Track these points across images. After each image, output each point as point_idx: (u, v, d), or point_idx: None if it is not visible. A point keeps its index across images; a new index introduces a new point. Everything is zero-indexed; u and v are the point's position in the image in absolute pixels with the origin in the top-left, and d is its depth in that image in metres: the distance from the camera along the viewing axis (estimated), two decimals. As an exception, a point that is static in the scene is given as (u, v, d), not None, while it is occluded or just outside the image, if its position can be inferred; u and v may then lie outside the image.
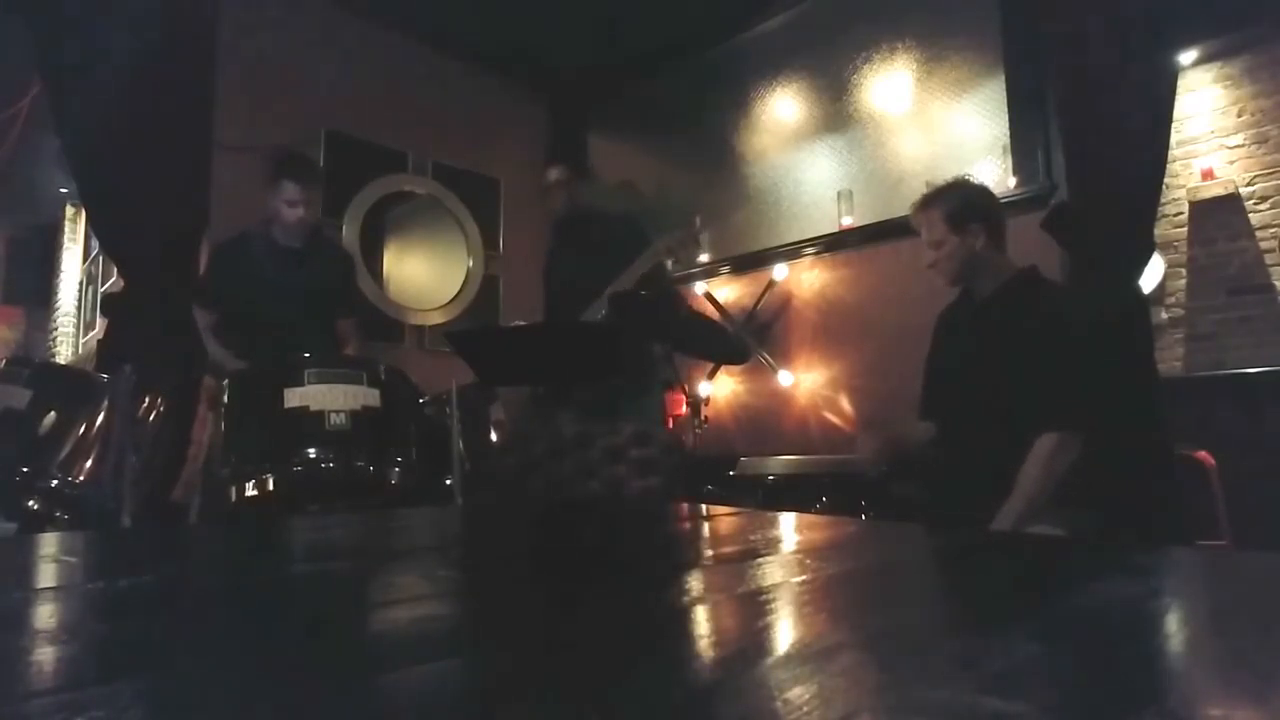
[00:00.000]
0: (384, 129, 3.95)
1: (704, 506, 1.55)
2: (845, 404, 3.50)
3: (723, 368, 3.77)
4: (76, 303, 6.21)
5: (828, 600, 0.60)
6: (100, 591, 0.69)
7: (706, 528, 1.16)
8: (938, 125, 3.42)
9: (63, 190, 5.76)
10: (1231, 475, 2.51)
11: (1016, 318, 1.87)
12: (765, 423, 3.74)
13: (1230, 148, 3.52)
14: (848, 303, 3.55)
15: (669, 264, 2.62)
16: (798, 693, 0.34)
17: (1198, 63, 3.53)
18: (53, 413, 2.05)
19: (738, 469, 3.05)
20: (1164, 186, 2.23)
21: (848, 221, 3.56)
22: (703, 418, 3.46)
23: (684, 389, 3.32)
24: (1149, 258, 2.15)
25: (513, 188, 4.45)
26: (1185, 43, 3.28)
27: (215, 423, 2.09)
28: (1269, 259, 3.40)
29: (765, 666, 0.41)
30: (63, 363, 5.67)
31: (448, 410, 2.27)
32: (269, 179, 2.55)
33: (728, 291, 3.94)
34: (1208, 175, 3.55)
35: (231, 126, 3.10)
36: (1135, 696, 0.36)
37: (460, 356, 2.27)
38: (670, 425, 3.60)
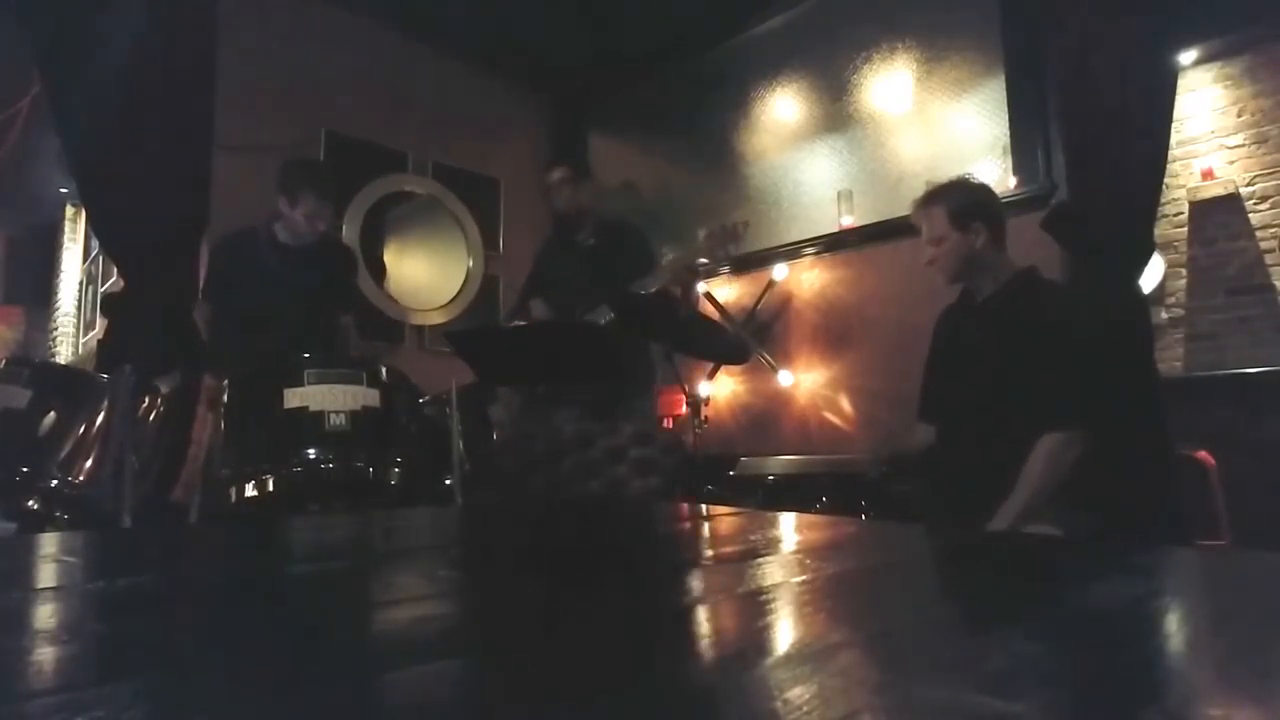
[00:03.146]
0: (384, 129, 3.95)
1: (704, 506, 1.55)
2: (845, 404, 3.50)
3: (723, 368, 3.77)
4: (76, 303, 6.21)
5: (828, 600, 0.60)
6: (100, 591, 0.69)
7: (706, 528, 1.16)
8: (938, 125, 3.42)
9: (63, 190, 5.77)
10: (1231, 475, 2.51)
11: (1016, 318, 1.87)
12: (765, 423, 3.74)
13: (1230, 148, 3.52)
14: (848, 303, 3.55)
15: (701, 263, 2.72)
16: (798, 693, 0.34)
17: (1198, 63, 3.53)
18: (53, 413, 2.05)
19: (738, 469, 3.04)
20: (1164, 186, 2.24)
21: (848, 221, 3.56)
22: (703, 418, 3.45)
23: (684, 389, 3.32)
24: (1149, 258, 2.15)
25: (513, 188, 4.45)
26: (1185, 43, 3.28)
27: (215, 423, 2.09)
28: (1269, 259, 3.40)
29: (765, 666, 0.41)
30: (63, 363, 5.67)
31: (448, 410, 2.27)
32: (286, 188, 2.49)
33: (728, 291, 3.94)
34: (1208, 175, 3.55)
35: (231, 126, 3.10)
36: (1135, 696, 0.36)
37: (460, 356, 2.27)
38: (670, 425, 3.61)
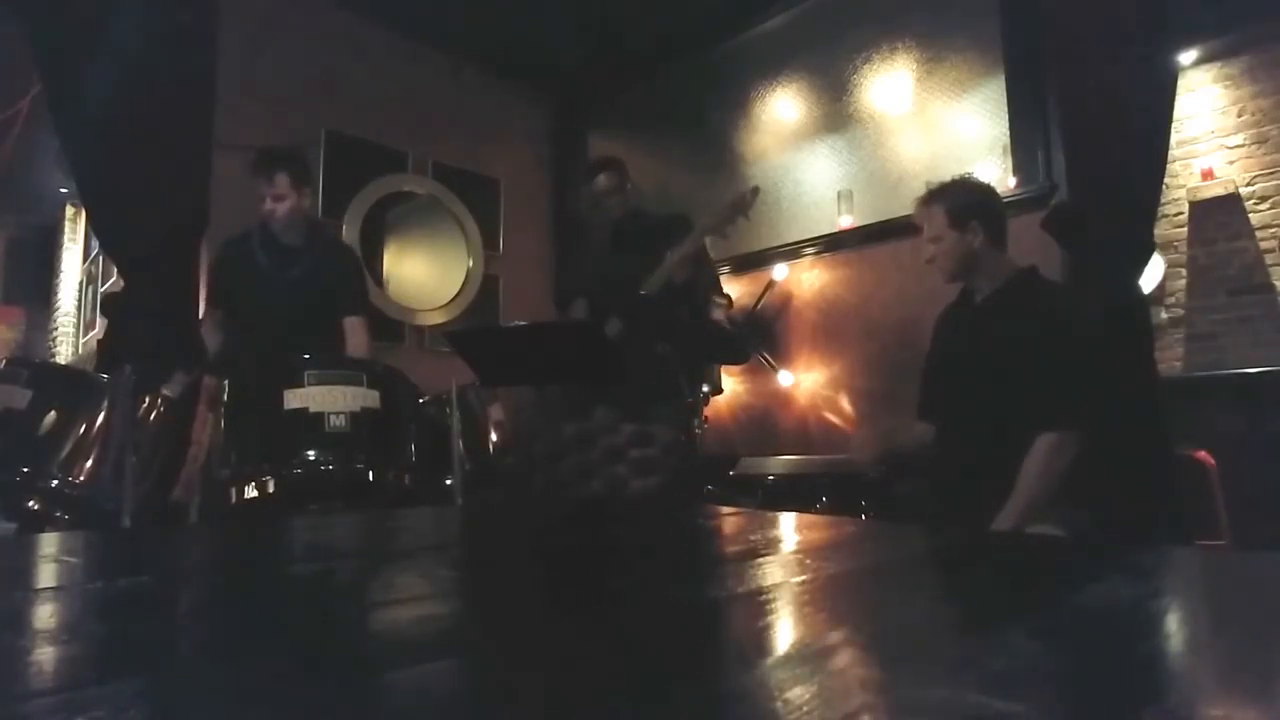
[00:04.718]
0: (384, 129, 3.95)
1: (704, 506, 1.55)
2: (845, 404, 3.50)
3: (723, 368, 3.77)
4: (76, 303, 6.21)
5: (828, 600, 0.60)
6: (100, 591, 0.69)
7: (706, 527, 1.16)
8: (938, 125, 3.42)
9: (63, 190, 5.77)
10: (1231, 475, 2.50)
11: (1015, 318, 1.87)
12: (765, 423, 3.74)
13: (1230, 148, 3.52)
14: (848, 303, 3.55)
15: (708, 242, 2.74)
16: (798, 693, 0.34)
17: (1198, 63, 3.52)
18: (53, 413, 2.05)
19: (738, 469, 3.05)
20: (1164, 186, 2.23)
21: (847, 221, 3.56)
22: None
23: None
24: (1149, 258, 2.15)
25: (513, 188, 4.45)
26: (1185, 43, 3.27)
27: (215, 423, 2.09)
28: (1269, 259, 3.39)
29: (765, 666, 0.41)
30: (63, 363, 5.67)
31: (448, 410, 2.27)
32: (254, 179, 2.52)
33: (728, 291, 3.93)
34: (1208, 175, 3.55)
35: (231, 126, 3.10)
36: (1135, 696, 0.36)
37: (460, 356, 2.27)
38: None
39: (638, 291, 2.61)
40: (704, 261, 2.82)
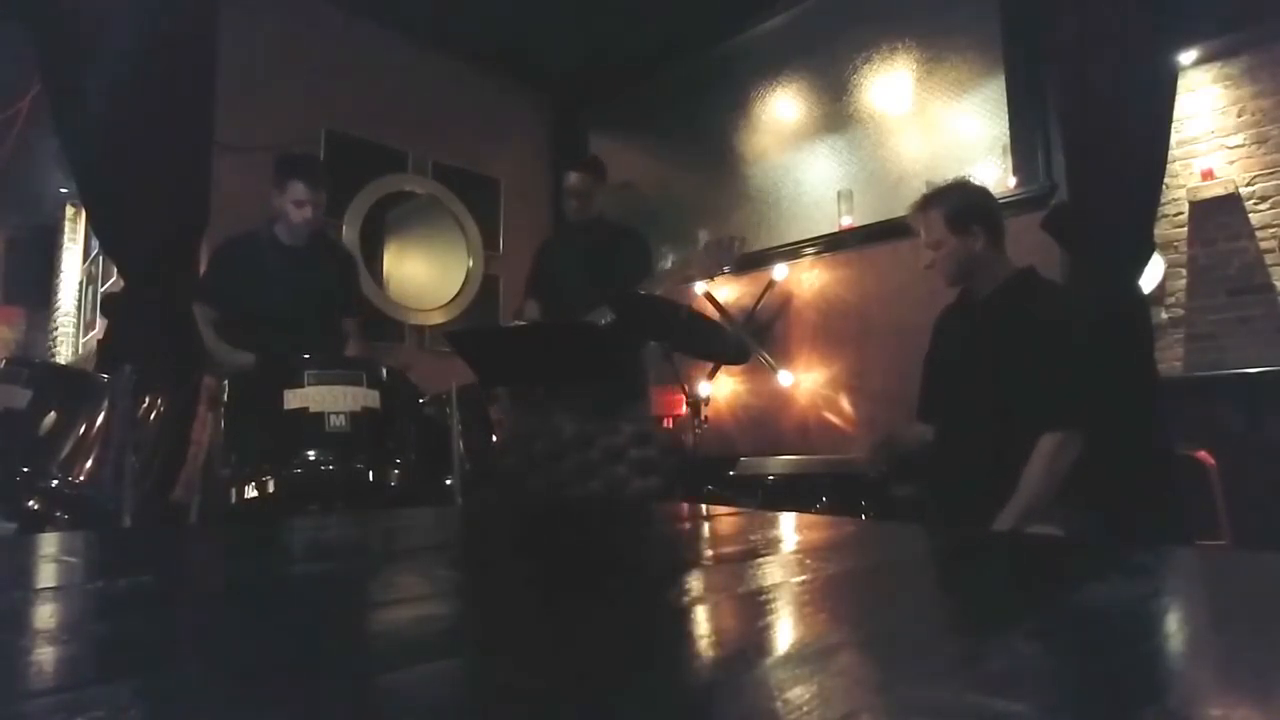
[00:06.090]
0: (384, 129, 3.95)
1: (704, 506, 1.55)
2: (845, 404, 3.50)
3: (723, 368, 3.77)
4: (76, 303, 6.20)
5: (828, 600, 0.60)
6: (100, 591, 0.69)
7: (706, 528, 1.16)
8: (938, 125, 3.42)
9: (63, 190, 5.76)
10: (1231, 475, 2.50)
11: (1015, 318, 1.87)
12: (765, 423, 3.74)
13: (1230, 148, 3.52)
14: (848, 303, 3.55)
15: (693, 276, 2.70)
16: (798, 693, 0.34)
17: (1198, 63, 3.52)
18: (53, 413, 2.04)
19: (738, 469, 3.04)
20: (1164, 186, 2.23)
21: (848, 221, 3.56)
22: (703, 418, 3.45)
23: (684, 389, 3.32)
24: (1149, 258, 2.15)
25: (513, 188, 4.45)
26: (1185, 43, 3.27)
27: (215, 423, 2.09)
28: (1269, 259, 3.39)
29: (765, 666, 0.41)
30: (63, 363, 5.67)
31: (448, 410, 2.27)
32: (276, 179, 2.55)
33: (728, 291, 3.93)
34: (1208, 175, 3.54)
35: (231, 126, 3.09)
36: (1135, 696, 0.36)
37: (460, 356, 2.27)
38: (670, 425, 3.61)
39: (580, 292, 2.60)
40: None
